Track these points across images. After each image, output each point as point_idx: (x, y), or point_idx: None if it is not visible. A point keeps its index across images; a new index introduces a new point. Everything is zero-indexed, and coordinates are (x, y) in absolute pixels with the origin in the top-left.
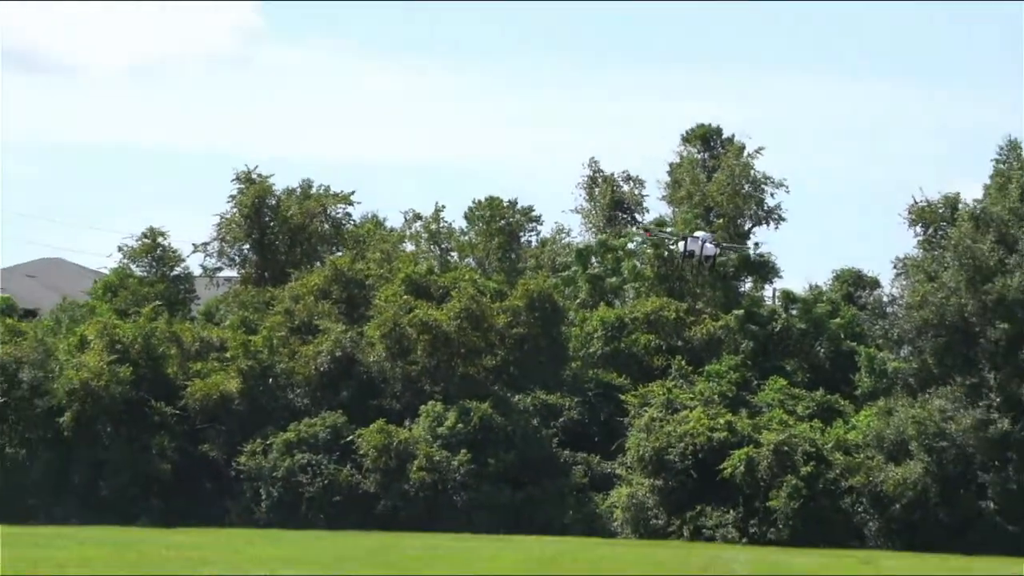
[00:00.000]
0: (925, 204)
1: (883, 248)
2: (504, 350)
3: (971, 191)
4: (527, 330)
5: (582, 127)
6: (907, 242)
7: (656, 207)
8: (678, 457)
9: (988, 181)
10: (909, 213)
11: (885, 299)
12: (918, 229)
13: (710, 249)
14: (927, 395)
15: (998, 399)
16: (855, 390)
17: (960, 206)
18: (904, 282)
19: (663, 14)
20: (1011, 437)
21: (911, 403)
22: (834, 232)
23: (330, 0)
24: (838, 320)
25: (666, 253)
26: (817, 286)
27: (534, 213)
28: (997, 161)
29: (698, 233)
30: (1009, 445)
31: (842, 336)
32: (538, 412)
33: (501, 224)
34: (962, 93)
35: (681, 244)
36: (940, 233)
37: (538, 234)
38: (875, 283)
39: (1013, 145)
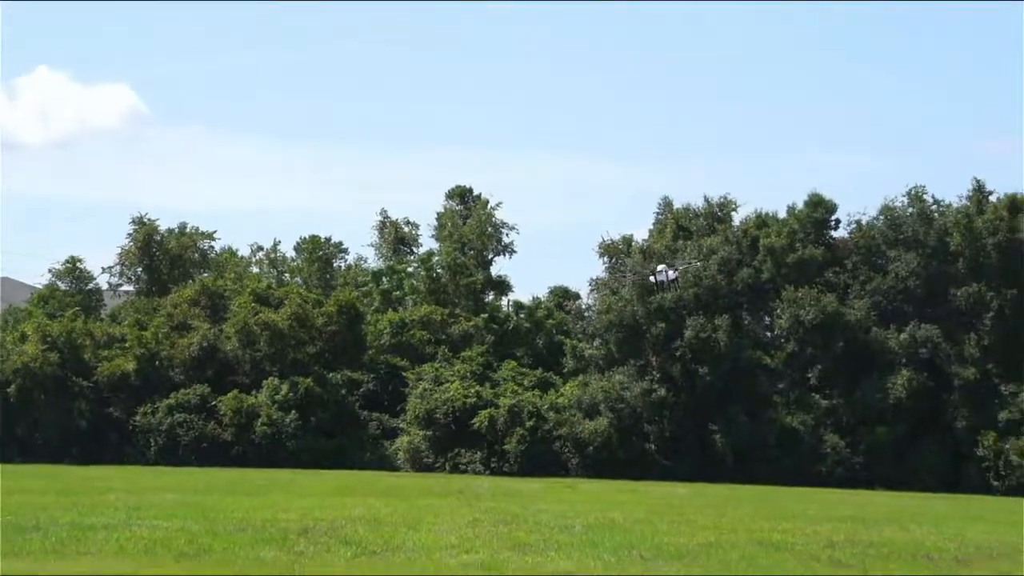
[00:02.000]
0: (610, 241)
1: (582, 272)
2: (321, 341)
3: (640, 233)
4: (337, 327)
5: (376, 186)
6: (598, 268)
7: (427, 243)
8: (443, 415)
9: (651, 226)
10: (599, 247)
11: (583, 307)
12: (605, 259)
13: (671, 275)
14: (611, 372)
15: (658, 375)
16: (563, 369)
17: (633, 243)
18: (596, 295)
19: (433, 107)
20: (666, 401)
21: (600, 378)
22: (550, 260)
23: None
24: (551, 321)
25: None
26: (538, 298)
27: (343, 246)
28: (657, 213)
29: (660, 267)
30: (665, 407)
31: (554, 332)
32: (345, 384)
33: (320, 254)
34: (641, 165)
35: (652, 278)
36: (619, 262)
37: (345, 261)
38: (576, 296)
39: (667, 203)
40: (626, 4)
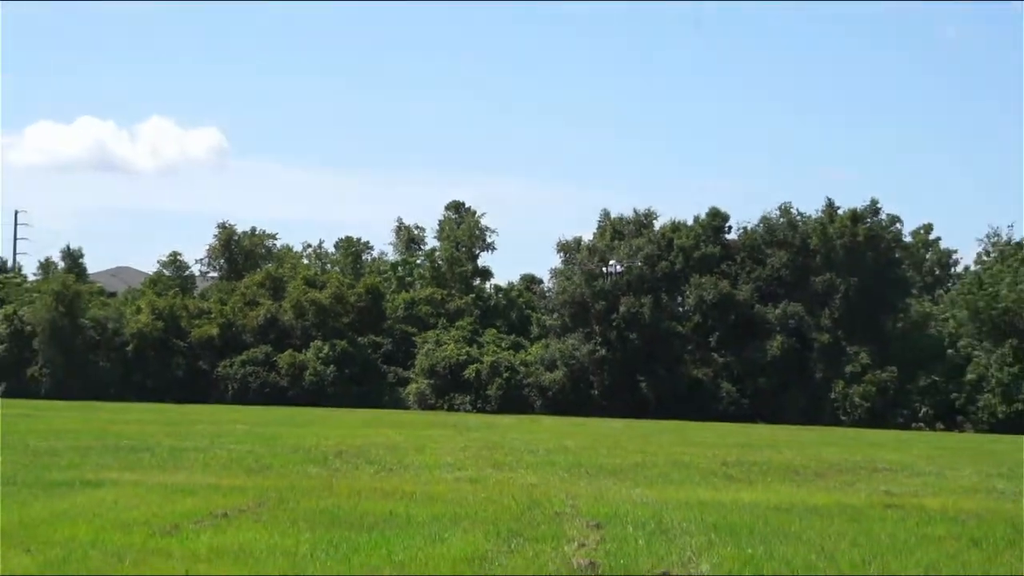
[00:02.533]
0: (565, 241)
1: (545, 262)
2: (354, 314)
3: (587, 235)
4: (365, 303)
5: (395, 201)
6: (556, 260)
7: (431, 242)
8: (442, 369)
9: (595, 230)
10: (557, 245)
11: (545, 289)
12: (562, 254)
13: (618, 269)
14: (565, 337)
15: (600, 340)
16: (530, 335)
17: (582, 243)
18: (554, 281)
19: (436, 139)
20: (606, 359)
21: (557, 342)
22: (522, 254)
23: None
24: (522, 299)
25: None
26: (512, 282)
27: (370, 244)
28: (599, 220)
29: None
30: (605, 363)
31: (524, 308)
32: (370, 346)
33: (353, 250)
34: (589, 182)
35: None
36: (571, 256)
37: (371, 255)
38: (541, 281)
39: (607, 212)
40: (561, 33)
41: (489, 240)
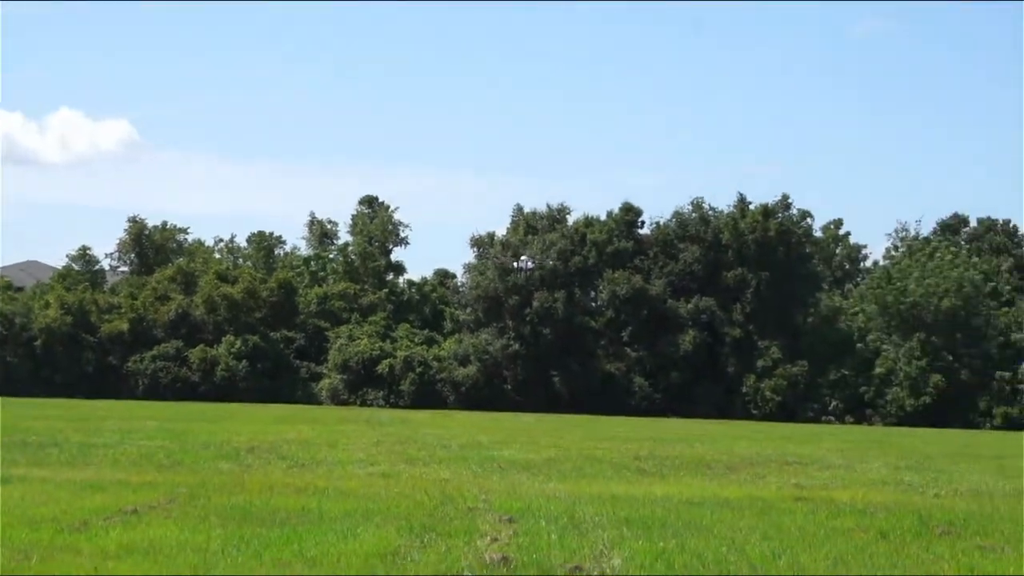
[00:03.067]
0: (478, 236)
1: (458, 257)
2: (266, 308)
3: (500, 230)
4: (277, 298)
5: (308, 195)
6: (469, 255)
7: (344, 236)
8: (355, 363)
9: (508, 225)
10: (471, 240)
11: (459, 284)
12: (475, 249)
13: (530, 265)
14: (478, 332)
15: (513, 334)
16: (444, 330)
17: (495, 238)
18: (468, 276)
19: (349, 130)
20: (519, 354)
21: (471, 336)
22: (435, 249)
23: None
24: (435, 294)
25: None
26: (425, 277)
27: (282, 239)
28: (512, 215)
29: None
30: (518, 358)
31: (437, 302)
32: (283, 340)
33: (265, 244)
34: (504, 177)
35: (514, 263)
36: (484, 250)
37: (284, 249)
38: (454, 276)
39: (519, 208)
40: (485, 34)
41: (402, 235)
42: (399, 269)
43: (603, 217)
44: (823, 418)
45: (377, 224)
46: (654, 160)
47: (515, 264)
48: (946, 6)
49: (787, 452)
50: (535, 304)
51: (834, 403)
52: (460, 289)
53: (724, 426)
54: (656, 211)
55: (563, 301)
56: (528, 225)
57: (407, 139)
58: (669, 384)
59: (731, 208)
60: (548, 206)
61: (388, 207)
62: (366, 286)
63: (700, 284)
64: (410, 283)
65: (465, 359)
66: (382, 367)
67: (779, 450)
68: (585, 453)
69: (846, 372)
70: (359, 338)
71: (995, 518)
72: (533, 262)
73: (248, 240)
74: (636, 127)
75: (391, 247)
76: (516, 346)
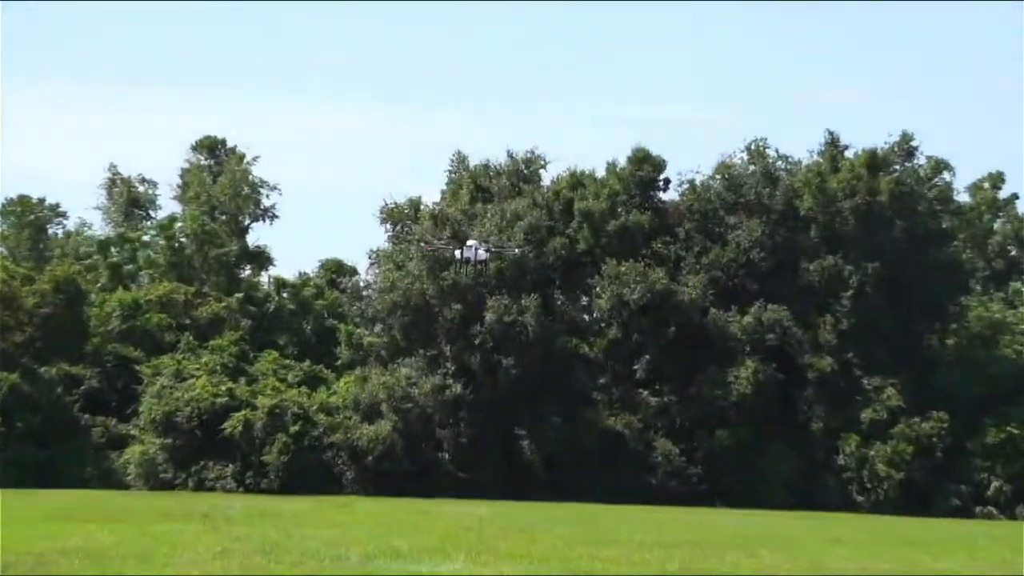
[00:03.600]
0: (393, 205)
1: (360, 241)
2: (32, 327)
3: (430, 195)
4: (53, 310)
5: (104, 135)
6: (379, 237)
7: (169, 206)
8: (185, 419)
9: (444, 187)
10: (381, 213)
11: (361, 284)
12: (388, 226)
13: (482, 255)
14: (396, 365)
15: (453, 368)
16: (336, 361)
17: (422, 207)
18: (377, 270)
19: (176, 39)
20: (462, 400)
21: (383, 371)
22: (320, 228)
23: None
24: (322, 301)
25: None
26: (305, 273)
27: (60, 209)
28: (450, 171)
29: (470, 242)
30: (461, 406)
31: (326, 315)
32: (62, 381)
33: (31, 218)
34: (419, 114)
35: (458, 252)
36: (406, 229)
37: (64, 227)
38: (353, 271)
39: (462, 159)
40: None
41: (267, 202)
42: (261, 260)
43: (600, 173)
44: (978, 509)
45: (225, 185)
46: (675, 76)
47: (456, 252)
48: None
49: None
50: (489, 317)
51: (996, 483)
52: (364, 293)
53: (808, 521)
54: (688, 162)
55: (535, 312)
56: (477, 187)
57: (271, 53)
58: (714, 450)
59: (813, 156)
60: (509, 155)
61: (243, 157)
62: (206, 288)
63: (763, 283)
64: (280, 283)
65: (372, 410)
66: (232, 425)
67: (910, 567)
68: (574, 568)
69: (1015, 431)
70: (194, 376)
71: None
72: (486, 247)
73: (3, 211)
74: (636, 22)
75: (248, 223)
76: (457, 387)
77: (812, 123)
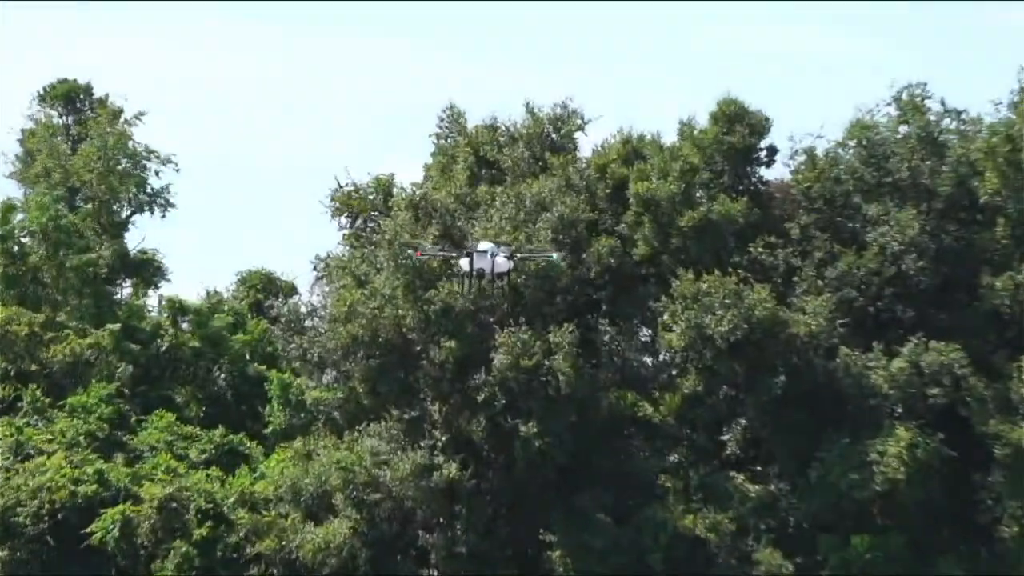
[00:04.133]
0: (352, 189)
1: (301, 245)
2: None
3: (409, 173)
4: None
5: None
6: (331, 237)
7: (2, 188)
8: (31, 519)
9: (429, 160)
10: (332, 201)
11: (304, 310)
12: (343, 220)
13: (503, 264)
14: (357, 433)
15: (443, 437)
16: (266, 427)
17: (396, 191)
18: (327, 288)
19: None
20: (459, 487)
21: (336, 444)
22: (239, 223)
23: None
24: (243, 336)
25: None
26: (217, 292)
27: None
28: (438, 136)
29: (484, 245)
30: (456, 497)
31: (248, 358)
32: None
33: None
34: (391, 48)
35: (464, 262)
36: (372, 226)
37: None
38: (292, 289)
39: (455, 116)
40: None
41: (156, 183)
42: (148, 272)
43: (669, 137)
44: None
45: (90, 155)
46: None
47: (463, 261)
48: None
49: None
50: (500, 360)
51: None
52: (308, 323)
53: None
54: (805, 121)
55: (569, 353)
56: (479, 159)
57: None
58: (848, 562)
59: (1001, 112)
60: (529, 110)
61: (118, 113)
62: (61, 315)
63: (924, 308)
64: (177, 308)
65: (321, 504)
66: (103, 527)
67: None
68: None
69: None
70: (42, 452)
71: None
72: (509, 253)
73: None
74: None
75: (127, 214)
76: (451, 468)
77: (1000, 59)
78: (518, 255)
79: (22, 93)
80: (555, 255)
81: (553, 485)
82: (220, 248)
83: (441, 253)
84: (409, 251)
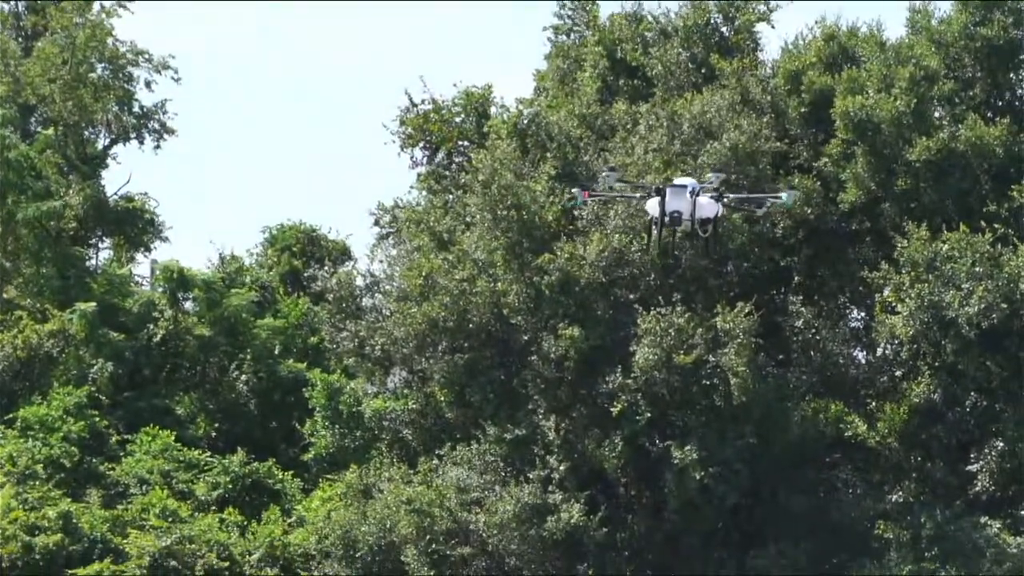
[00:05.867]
0: (430, 108)
1: (356, 188)
2: None
3: (513, 85)
4: None
5: None
6: (400, 177)
7: None
8: None
9: (543, 65)
10: (401, 125)
11: (361, 282)
12: (417, 154)
13: (708, 207)
14: (436, 460)
15: (562, 467)
16: (305, 452)
17: (494, 112)
18: (395, 251)
19: None
20: (583, 537)
21: (407, 476)
22: (266, 158)
23: None
24: (273, 321)
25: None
26: (235, 258)
27: None
28: (556, 29)
29: (682, 180)
30: (580, 551)
31: (280, 352)
32: None
33: None
34: None
35: (651, 203)
36: (460, 161)
37: None
38: (343, 252)
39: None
40: None
41: (146, 101)
42: (136, 228)
43: (894, 25)
44: None
45: (50, 56)
46: None
47: (649, 203)
48: None
49: None
50: (644, 355)
51: None
52: (366, 302)
53: None
54: None
55: (746, 345)
56: (615, 64)
57: None
58: None
59: None
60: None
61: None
62: (12, 288)
63: None
64: (176, 279)
65: (378, 564)
66: None
67: None
68: None
69: None
70: None
71: None
72: (717, 190)
73: None
74: None
75: (104, 144)
76: (574, 510)
77: None
78: (730, 195)
79: None
80: (785, 194)
81: (721, 535)
82: (239, 193)
83: (617, 194)
84: (573, 191)
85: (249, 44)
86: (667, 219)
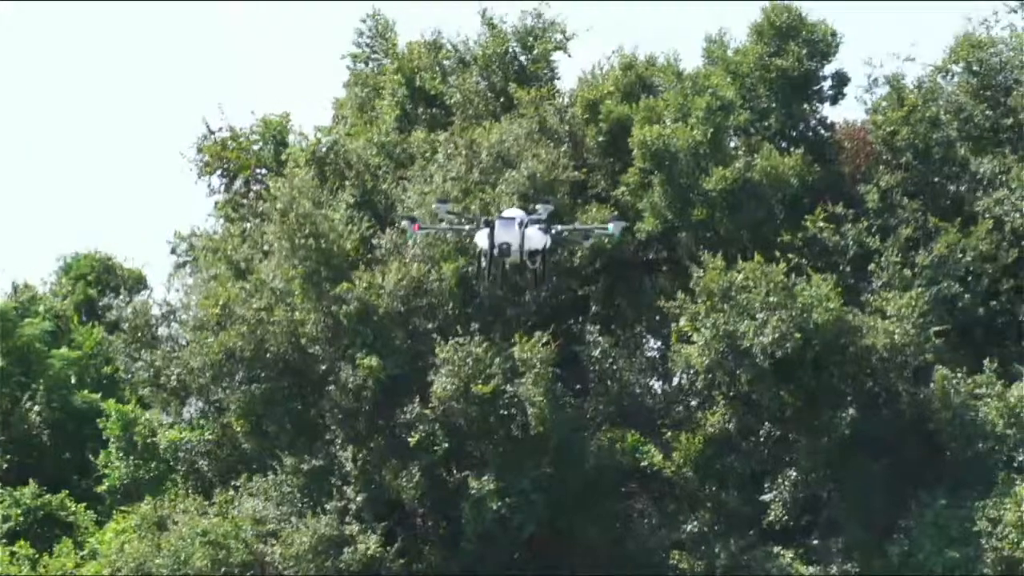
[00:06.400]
0: (228, 136)
1: (153, 216)
2: None
3: (312, 113)
4: None
5: None
6: (197, 205)
7: None
8: None
9: (342, 93)
10: (198, 153)
11: (157, 311)
12: (215, 182)
13: (536, 239)
14: (232, 492)
15: (359, 497)
16: (99, 483)
17: (292, 139)
18: (191, 280)
19: None
20: (381, 568)
21: (202, 507)
22: (61, 183)
23: None
24: (67, 352)
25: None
26: (28, 286)
27: None
28: (355, 57)
29: (511, 212)
30: None
31: (74, 382)
32: None
33: None
34: None
35: (480, 236)
36: (257, 189)
37: None
38: (139, 281)
39: (382, 26)
40: None
41: None
42: None
43: (690, 59)
44: None
45: None
46: None
47: (478, 237)
48: None
49: None
50: (442, 385)
51: None
52: (159, 323)
53: None
54: (882, 37)
55: (541, 369)
56: (415, 93)
57: None
58: None
59: None
60: (487, 19)
61: None
62: None
63: None
64: None
65: None
66: None
67: None
68: None
69: None
70: None
71: None
72: (544, 222)
73: None
74: None
75: None
76: (369, 541)
77: None
78: (559, 226)
79: None
80: (612, 225)
81: (518, 566)
82: (33, 222)
83: (447, 227)
84: (403, 221)
85: (38, 68)
86: (496, 251)
